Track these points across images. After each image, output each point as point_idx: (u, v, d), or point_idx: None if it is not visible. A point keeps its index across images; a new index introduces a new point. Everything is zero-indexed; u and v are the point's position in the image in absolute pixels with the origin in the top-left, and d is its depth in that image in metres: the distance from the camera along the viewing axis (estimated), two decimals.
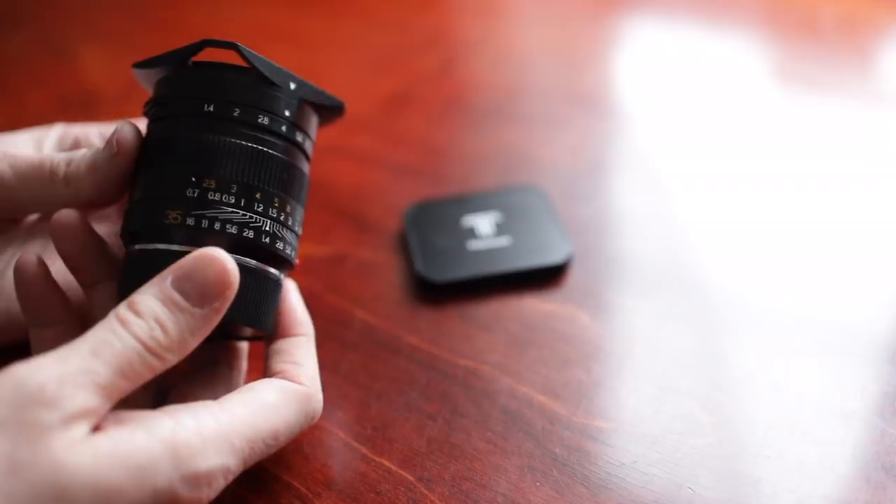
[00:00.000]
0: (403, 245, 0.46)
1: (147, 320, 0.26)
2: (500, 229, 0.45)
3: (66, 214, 0.31)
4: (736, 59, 0.63)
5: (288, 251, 0.32)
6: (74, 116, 0.59)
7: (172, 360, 0.27)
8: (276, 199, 0.31)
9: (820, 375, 0.37)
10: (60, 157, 0.32)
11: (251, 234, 0.30)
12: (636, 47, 0.68)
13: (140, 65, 0.33)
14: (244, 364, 0.35)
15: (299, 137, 0.33)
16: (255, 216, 0.30)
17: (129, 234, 0.31)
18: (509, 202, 0.47)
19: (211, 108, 0.31)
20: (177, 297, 0.27)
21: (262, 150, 0.31)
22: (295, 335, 0.34)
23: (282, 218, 0.32)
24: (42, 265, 0.31)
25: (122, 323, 0.26)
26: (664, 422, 0.35)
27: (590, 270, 0.43)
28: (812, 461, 0.33)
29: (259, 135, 0.31)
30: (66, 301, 0.32)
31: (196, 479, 0.26)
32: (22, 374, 0.24)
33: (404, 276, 0.44)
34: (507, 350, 0.39)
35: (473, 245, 0.44)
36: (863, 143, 0.52)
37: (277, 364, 0.32)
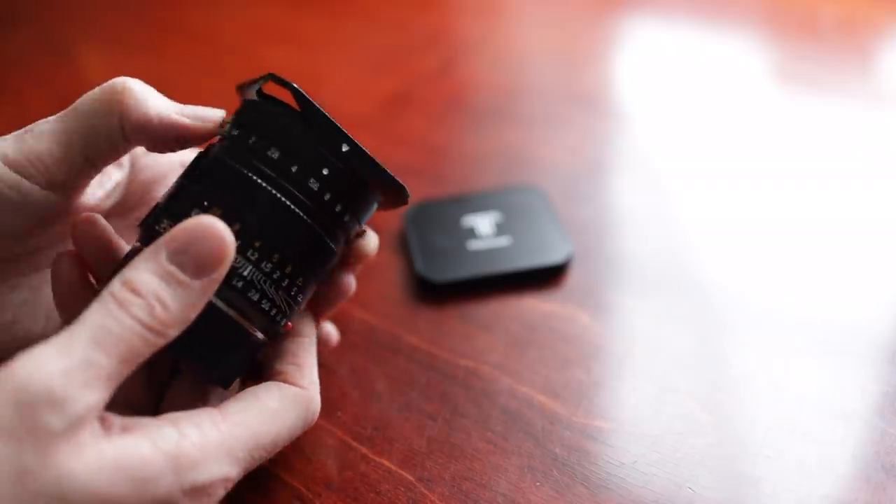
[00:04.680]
0: (403, 245, 0.46)
1: (147, 298, 0.25)
2: (500, 229, 0.45)
3: (88, 217, 0.31)
4: (736, 59, 0.63)
5: (267, 308, 0.29)
6: None
7: (174, 334, 0.26)
8: (275, 256, 0.29)
9: (820, 375, 0.37)
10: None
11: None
12: (636, 47, 0.68)
13: (241, 86, 0.32)
14: None
15: (337, 208, 0.30)
16: (243, 261, 0.28)
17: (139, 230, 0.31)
18: (509, 202, 0.47)
19: (252, 142, 0.29)
20: (174, 270, 0.26)
21: (283, 201, 0.29)
22: (298, 336, 0.33)
23: (275, 276, 0.29)
24: (77, 263, 0.31)
25: (121, 304, 0.25)
26: (664, 422, 0.35)
27: (590, 270, 0.43)
28: (812, 461, 0.33)
29: (289, 187, 0.29)
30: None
31: (197, 491, 0.26)
32: (25, 373, 0.23)
33: (404, 276, 0.44)
34: (507, 350, 0.39)
35: (473, 245, 0.44)
36: (863, 143, 0.52)
37: (280, 364, 0.32)
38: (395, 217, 0.48)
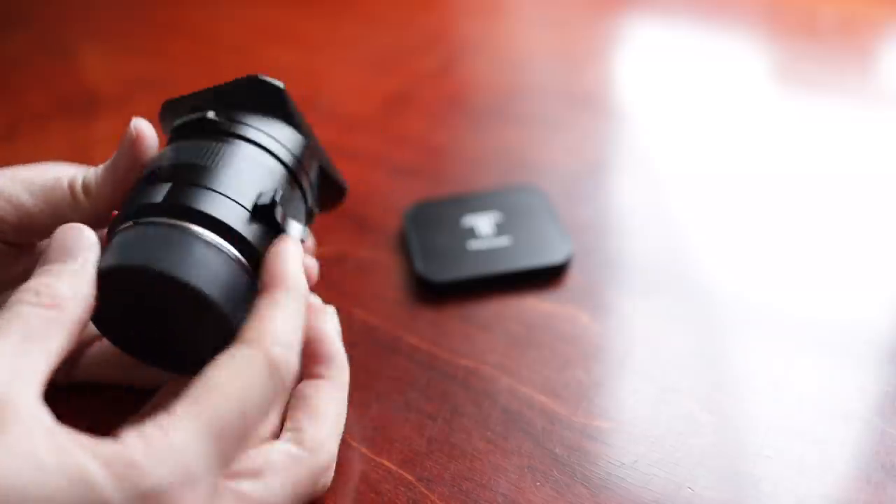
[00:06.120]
0: (403, 245, 0.46)
1: (32, 287, 0.27)
2: (500, 229, 0.45)
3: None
4: (736, 59, 0.63)
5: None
6: (74, 116, 0.59)
7: (75, 308, 0.27)
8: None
9: (820, 375, 0.37)
10: (75, 171, 0.33)
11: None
12: (636, 47, 0.68)
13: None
14: None
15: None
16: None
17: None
18: (509, 202, 0.47)
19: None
20: (46, 266, 0.28)
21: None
22: (317, 375, 0.31)
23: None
24: None
25: (12, 303, 0.26)
26: (664, 422, 0.35)
27: (590, 270, 0.43)
28: (812, 461, 0.33)
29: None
30: None
31: (149, 498, 0.23)
32: None
33: (404, 276, 0.44)
34: (507, 350, 0.39)
35: (473, 245, 0.44)
36: (863, 143, 0.52)
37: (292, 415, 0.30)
38: (394, 217, 0.48)
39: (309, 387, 0.32)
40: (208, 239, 0.29)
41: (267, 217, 0.30)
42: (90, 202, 0.32)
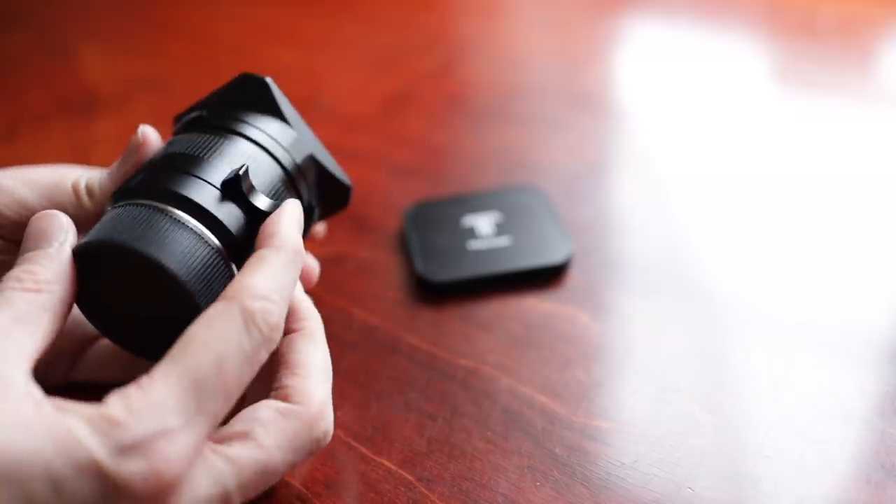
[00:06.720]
0: (403, 245, 0.46)
1: (15, 275, 0.28)
2: (500, 229, 0.45)
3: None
4: (736, 59, 0.63)
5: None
6: (74, 116, 0.59)
7: (57, 289, 0.28)
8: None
9: (820, 375, 0.37)
10: (80, 172, 0.33)
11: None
12: (636, 47, 0.68)
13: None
14: None
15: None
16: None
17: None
18: (509, 202, 0.47)
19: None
20: (28, 253, 0.29)
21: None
22: (288, 331, 0.31)
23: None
24: None
25: None
26: (664, 422, 0.35)
27: (590, 270, 0.43)
28: (812, 461, 0.33)
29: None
30: None
31: (129, 448, 0.24)
32: None
33: (404, 276, 0.44)
34: (507, 350, 0.39)
35: (473, 245, 0.44)
36: (863, 143, 0.52)
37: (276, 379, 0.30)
38: (394, 217, 0.48)
39: (282, 344, 0.32)
40: (175, 216, 0.29)
41: (234, 191, 0.31)
42: (93, 203, 0.32)
